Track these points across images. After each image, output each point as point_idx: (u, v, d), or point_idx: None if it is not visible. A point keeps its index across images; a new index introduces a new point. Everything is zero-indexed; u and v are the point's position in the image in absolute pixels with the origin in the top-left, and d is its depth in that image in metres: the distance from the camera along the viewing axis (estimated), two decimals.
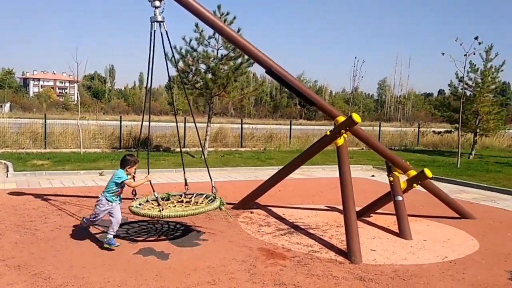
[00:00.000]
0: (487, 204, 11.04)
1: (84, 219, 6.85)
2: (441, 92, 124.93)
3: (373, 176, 15.45)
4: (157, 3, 6.74)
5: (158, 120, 44.87)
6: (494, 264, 6.37)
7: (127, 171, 6.79)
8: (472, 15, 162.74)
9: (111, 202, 6.62)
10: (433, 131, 27.83)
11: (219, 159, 17.54)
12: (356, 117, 7.53)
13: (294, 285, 5.31)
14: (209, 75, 17.58)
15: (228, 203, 9.55)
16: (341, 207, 9.76)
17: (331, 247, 6.90)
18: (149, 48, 6.83)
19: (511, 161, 21.52)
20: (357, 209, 9.30)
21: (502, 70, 22.76)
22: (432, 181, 8.95)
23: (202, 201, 7.34)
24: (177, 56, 17.56)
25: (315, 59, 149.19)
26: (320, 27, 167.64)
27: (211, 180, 7.36)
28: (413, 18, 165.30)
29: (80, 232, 7.07)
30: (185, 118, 23.57)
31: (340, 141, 7.74)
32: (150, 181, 6.89)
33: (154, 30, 6.83)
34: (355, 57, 53.26)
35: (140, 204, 7.12)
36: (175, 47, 17.68)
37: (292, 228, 7.92)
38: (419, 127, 30.34)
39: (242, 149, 22.67)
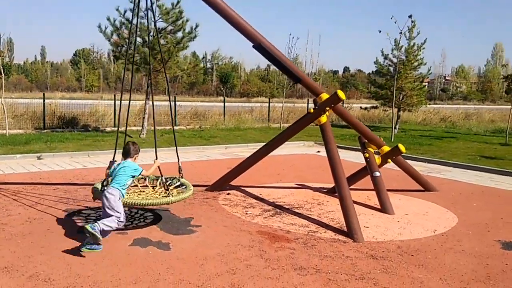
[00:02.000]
0: (436, 176, 11.63)
1: (100, 224, 5.39)
2: (346, 69, 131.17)
3: (319, 152, 15.68)
4: None
5: (70, 98, 42.29)
6: (481, 235, 6.67)
7: (135, 160, 6.15)
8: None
9: (123, 197, 5.84)
10: (360, 107, 28.87)
11: (160, 139, 16.80)
12: (341, 94, 7.48)
13: (314, 269, 5.15)
14: (147, 49, 16.63)
15: (198, 185, 9.21)
16: (309, 184, 9.92)
17: (325, 226, 6.84)
18: (136, 19, 6.26)
19: (433, 134, 23.02)
20: (330, 186, 9.40)
21: (424, 48, 24.10)
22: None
23: (172, 190, 6.83)
24: (110, 28, 16.49)
25: (230, 35, 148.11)
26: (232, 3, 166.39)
27: (179, 161, 7.09)
28: None
29: (57, 224, 6.36)
30: (114, 95, 22.32)
31: (324, 118, 7.66)
32: (159, 166, 6.41)
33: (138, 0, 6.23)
34: (290, 34, 54.78)
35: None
36: (108, 19, 16.54)
37: (276, 208, 7.75)
38: (343, 103, 31.34)
39: (177, 127, 21.93)
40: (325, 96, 7.65)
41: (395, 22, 18.18)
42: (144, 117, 17.31)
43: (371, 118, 30.27)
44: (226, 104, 26.51)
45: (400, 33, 18.34)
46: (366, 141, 8.67)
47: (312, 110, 7.71)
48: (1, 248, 5.42)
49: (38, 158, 11.99)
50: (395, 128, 23.89)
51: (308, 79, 7.77)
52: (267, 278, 4.83)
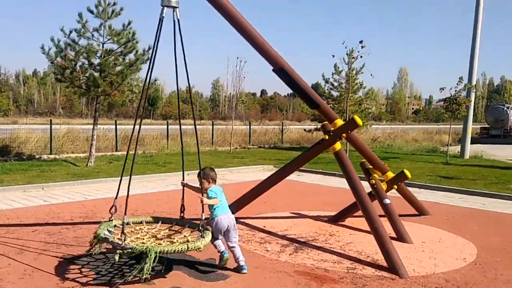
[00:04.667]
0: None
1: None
2: (263, 92, 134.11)
3: None
4: None
5: None
6: (510, 261, 6.61)
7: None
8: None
9: None
10: (304, 129, 29.02)
11: (111, 167, 15.54)
12: (358, 120, 7.20)
13: None
14: (95, 72, 15.44)
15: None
16: (305, 213, 9.48)
17: (357, 261, 6.42)
18: (155, 36, 5.56)
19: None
20: (331, 214, 9.05)
21: (362, 72, 24.81)
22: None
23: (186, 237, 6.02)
24: (54, 49, 15.13)
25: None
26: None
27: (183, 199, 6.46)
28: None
29: (65, 276, 5.33)
30: (50, 120, 20.54)
31: (338, 145, 7.33)
32: None
33: (163, 16, 5.55)
34: (237, 57, 51.87)
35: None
36: (52, 39, 15.16)
37: (293, 242, 7.21)
38: (282, 125, 31.53)
39: (119, 153, 20.57)
40: (339, 122, 7.33)
41: (345, 48, 18.51)
42: (92, 144, 15.95)
43: (309, 140, 30.60)
44: (154, 127, 25.17)
45: (353, 58, 18.65)
46: (370, 167, 8.44)
47: (327, 137, 7.33)
48: None
49: None
50: None
51: (326, 106, 7.41)
52: None
